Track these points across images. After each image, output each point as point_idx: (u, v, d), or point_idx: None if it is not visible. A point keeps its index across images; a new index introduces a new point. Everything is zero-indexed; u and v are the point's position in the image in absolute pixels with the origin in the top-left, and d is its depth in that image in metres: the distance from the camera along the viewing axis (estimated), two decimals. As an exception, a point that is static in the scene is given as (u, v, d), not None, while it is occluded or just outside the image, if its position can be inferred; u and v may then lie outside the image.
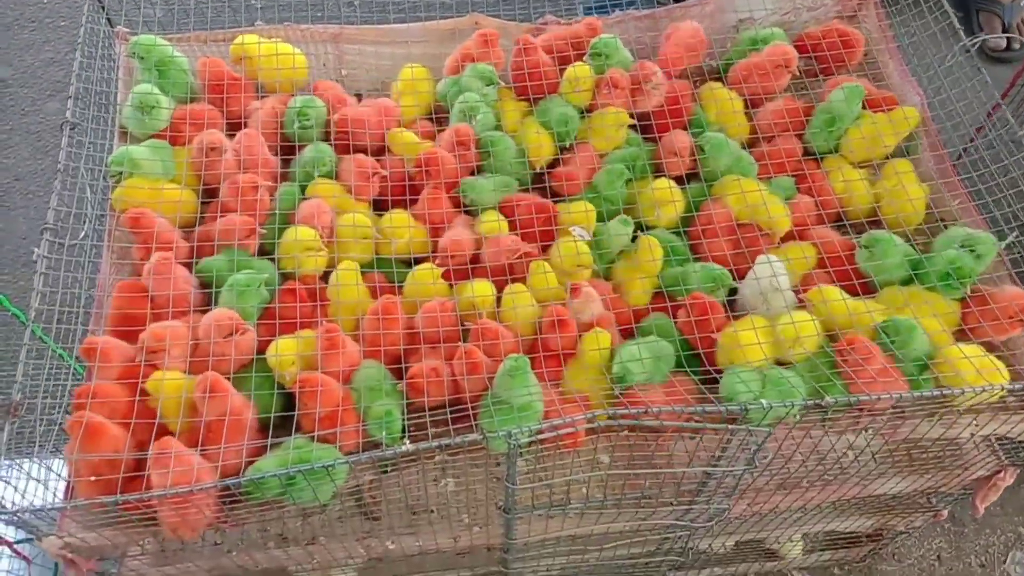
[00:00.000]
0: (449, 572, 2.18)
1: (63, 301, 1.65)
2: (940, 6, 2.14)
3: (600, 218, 1.92)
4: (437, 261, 1.83)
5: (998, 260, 1.88)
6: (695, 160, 2.03)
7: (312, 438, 1.59)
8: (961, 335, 1.81)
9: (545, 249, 1.91)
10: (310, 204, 1.86)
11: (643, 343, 1.73)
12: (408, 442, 1.44)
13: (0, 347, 2.46)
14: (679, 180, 2.01)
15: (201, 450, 1.49)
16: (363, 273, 1.82)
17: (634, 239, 1.92)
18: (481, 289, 1.78)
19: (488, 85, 2.08)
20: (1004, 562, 2.74)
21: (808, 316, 1.73)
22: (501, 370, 1.63)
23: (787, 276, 1.82)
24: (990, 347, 1.78)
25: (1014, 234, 1.88)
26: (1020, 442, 1.88)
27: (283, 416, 1.61)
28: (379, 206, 1.97)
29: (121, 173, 1.85)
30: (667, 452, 1.69)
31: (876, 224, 1.98)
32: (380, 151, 2.04)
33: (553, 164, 2.07)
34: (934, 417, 1.71)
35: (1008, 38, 3.58)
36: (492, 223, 1.90)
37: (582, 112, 2.10)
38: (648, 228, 1.95)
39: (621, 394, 1.67)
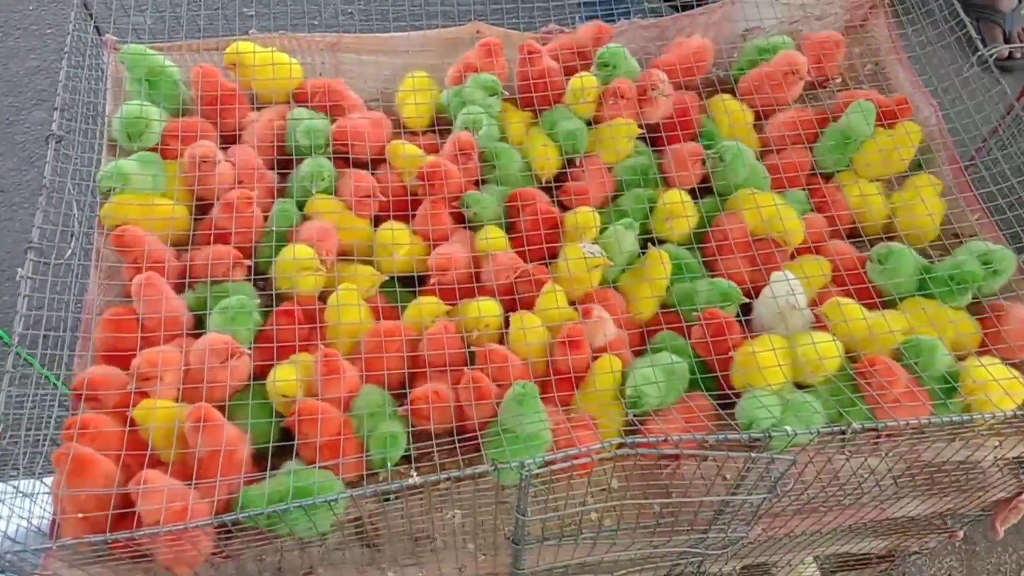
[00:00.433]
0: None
1: (48, 324, 1.56)
2: (955, 15, 2.09)
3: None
4: (431, 280, 1.75)
5: (1021, 277, 1.83)
6: (706, 172, 1.96)
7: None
8: (983, 349, 1.76)
9: (552, 255, 1.84)
10: (314, 227, 1.78)
11: (657, 364, 1.66)
12: (415, 474, 1.36)
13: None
14: (691, 193, 1.95)
15: (195, 484, 1.41)
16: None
17: (643, 250, 1.86)
18: (487, 309, 1.70)
19: (491, 96, 2.01)
20: (1017, 582, 2.69)
21: (829, 337, 1.66)
22: (508, 396, 1.56)
23: (804, 295, 1.76)
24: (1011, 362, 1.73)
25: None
26: (1044, 464, 1.82)
27: (280, 445, 1.54)
28: (379, 221, 1.89)
29: (112, 189, 1.76)
30: (682, 479, 1.63)
31: (892, 239, 1.93)
32: (378, 164, 1.96)
33: (559, 176, 2.00)
34: (957, 440, 1.65)
35: (1010, 48, 3.55)
36: (493, 239, 1.83)
37: (588, 123, 2.03)
38: (660, 242, 1.89)
39: (637, 420, 1.60)
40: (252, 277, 1.77)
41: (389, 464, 1.51)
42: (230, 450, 1.43)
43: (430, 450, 1.54)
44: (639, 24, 2.23)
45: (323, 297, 1.76)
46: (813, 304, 1.79)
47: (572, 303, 1.77)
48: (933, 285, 1.77)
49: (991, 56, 2.00)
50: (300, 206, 1.86)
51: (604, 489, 1.67)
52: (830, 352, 1.64)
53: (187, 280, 1.71)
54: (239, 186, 1.81)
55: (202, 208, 1.84)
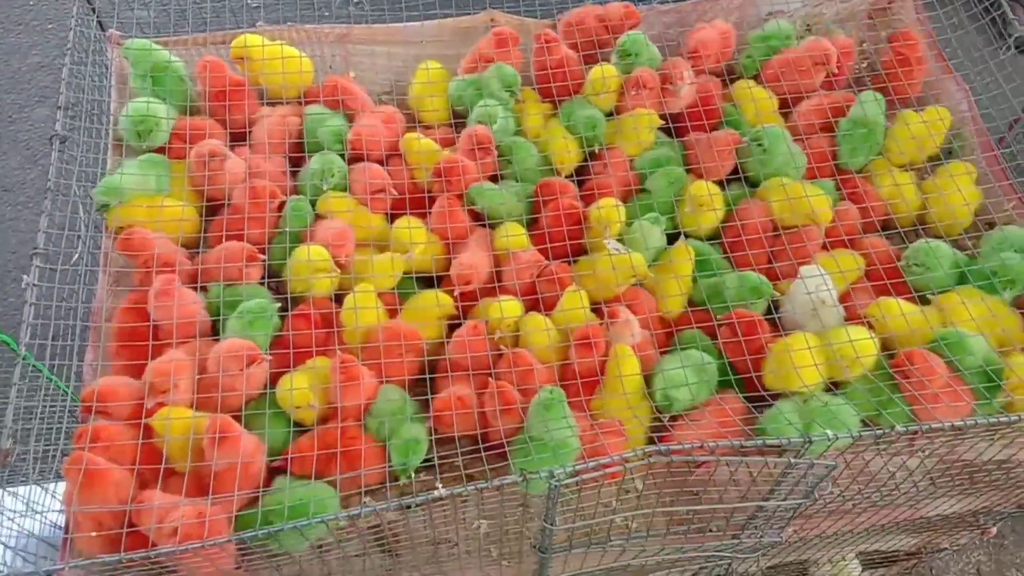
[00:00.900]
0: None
1: (55, 333, 1.50)
2: (991, -5, 2.01)
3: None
4: (454, 293, 1.69)
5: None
6: (737, 161, 1.90)
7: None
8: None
9: (575, 253, 1.78)
10: (332, 228, 1.71)
11: (687, 364, 1.60)
12: (440, 485, 1.30)
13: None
14: (719, 183, 1.88)
15: (213, 500, 1.35)
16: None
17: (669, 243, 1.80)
18: (509, 309, 1.64)
19: (507, 89, 1.94)
20: (1047, 575, 2.63)
21: (865, 333, 1.60)
22: (535, 401, 1.50)
23: (835, 290, 1.70)
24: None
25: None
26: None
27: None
28: (394, 217, 1.83)
29: (107, 204, 1.70)
30: (713, 483, 1.56)
31: (926, 229, 1.87)
32: (391, 157, 1.90)
33: (580, 169, 1.94)
34: (996, 437, 1.59)
35: None
36: (514, 238, 1.76)
37: (608, 114, 1.96)
38: (687, 236, 1.83)
39: (668, 423, 1.54)
40: (265, 280, 1.70)
41: (412, 475, 1.45)
42: (247, 463, 1.37)
43: (454, 456, 1.49)
44: (658, 9, 2.15)
45: (338, 298, 1.70)
46: (844, 298, 1.73)
47: (598, 303, 1.71)
48: (974, 280, 1.70)
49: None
50: (312, 203, 1.80)
51: (630, 492, 1.62)
52: (867, 349, 1.58)
53: (199, 284, 1.65)
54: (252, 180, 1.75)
55: (212, 208, 1.78)
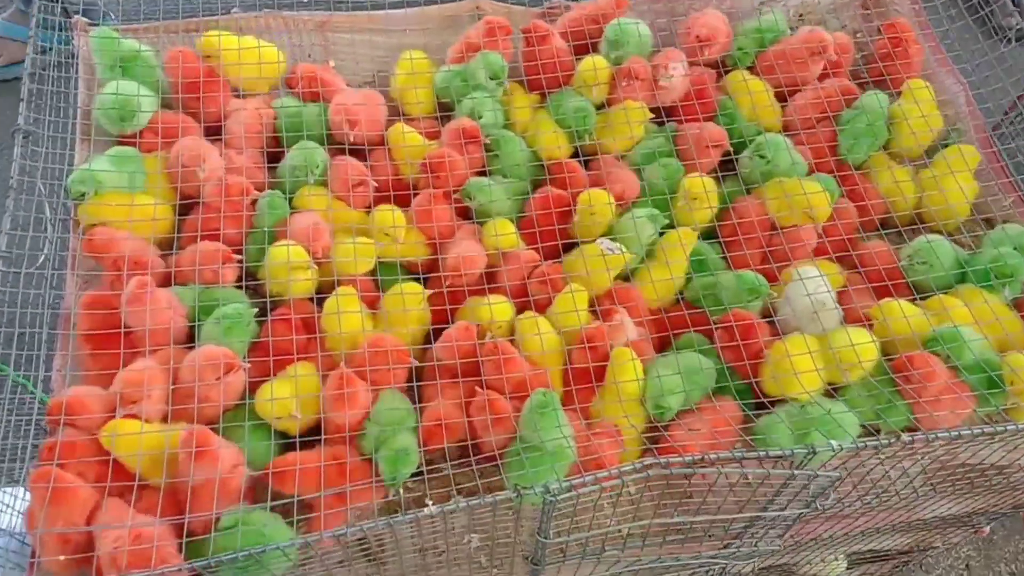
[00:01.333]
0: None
1: (20, 343, 1.42)
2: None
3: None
4: (448, 282, 1.62)
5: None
6: (726, 154, 1.85)
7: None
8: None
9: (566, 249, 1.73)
10: (305, 222, 1.63)
11: (679, 370, 1.55)
12: (431, 502, 1.24)
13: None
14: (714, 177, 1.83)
15: (189, 518, 1.28)
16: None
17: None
18: (500, 312, 1.58)
19: (494, 79, 1.87)
20: (1035, 569, 2.63)
21: (867, 336, 1.55)
22: (529, 405, 1.44)
23: (832, 291, 1.65)
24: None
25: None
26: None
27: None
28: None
29: (84, 194, 1.60)
30: (711, 492, 1.52)
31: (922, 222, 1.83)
32: (374, 147, 1.83)
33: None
34: (997, 441, 1.55)
35: None
36: (507, 236, 1.70)
37: (599, 107, 1.89)
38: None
39: (663, 431, 1.49)
40: (244, 282, 1.62)
41: (401, 491, 1.38)
42: (225, 478, 1.30)
43: (443, 467, 1.43)
44: (648, -1, 2.08)
45: (318, 301, 1.63)
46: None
47: (591, 302, 1.65)
48: (974, 279, 1.66)
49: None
50: (290, 198, 1.72)
51: (623, 497, 1.56)
52: (868, 353, 1.53)
53: (172, 285, 1.57)
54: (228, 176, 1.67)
55: (184, 207, 1.69)
